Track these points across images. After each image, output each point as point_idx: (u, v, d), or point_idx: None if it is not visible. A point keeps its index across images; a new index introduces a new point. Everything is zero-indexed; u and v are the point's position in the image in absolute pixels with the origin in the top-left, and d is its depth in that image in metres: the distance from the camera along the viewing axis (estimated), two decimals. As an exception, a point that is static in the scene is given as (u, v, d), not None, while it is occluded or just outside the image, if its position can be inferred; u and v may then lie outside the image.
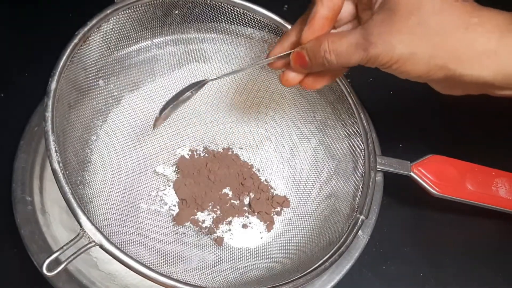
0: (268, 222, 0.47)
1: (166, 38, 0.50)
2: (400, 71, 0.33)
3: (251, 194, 0.49)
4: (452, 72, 0.33)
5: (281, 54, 0.38)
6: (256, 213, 0.47)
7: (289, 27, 0.46)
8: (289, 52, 0.38)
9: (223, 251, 0.45)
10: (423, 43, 0.32)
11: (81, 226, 0.34)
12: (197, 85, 0.40)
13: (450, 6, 0.32)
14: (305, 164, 0.50)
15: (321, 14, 0.35)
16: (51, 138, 0.35)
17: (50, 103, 0.36)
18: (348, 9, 0.37)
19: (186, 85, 0.41)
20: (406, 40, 0.32)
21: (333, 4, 0.35)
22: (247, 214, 0.48)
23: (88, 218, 0.34)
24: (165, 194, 0.47)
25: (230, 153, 0.51)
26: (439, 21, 0.32)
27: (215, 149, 0.51)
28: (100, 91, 0.46)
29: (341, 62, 0.34)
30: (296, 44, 0.37)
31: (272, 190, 0.49)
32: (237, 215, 0.47)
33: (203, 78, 0.51)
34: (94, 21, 0.41)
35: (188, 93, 0.40)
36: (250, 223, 0.47)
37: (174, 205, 0.47)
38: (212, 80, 0.41)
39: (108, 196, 0.44)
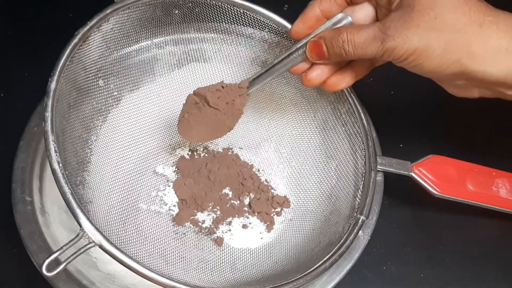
0: (268, 223, 0.47)
1: (166, 38, 0.50)
2: (414, 64, 0.35)
3: (251, 194, 0.49)
4: (464, 68, 0.34)
5: (301, 44, 0.39)
6: (256, 214, 0.47)
7: (289, 27, 0.46)
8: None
9: (223, 252, 0.45)
10: (438, 37, 0.33)
11: (80, 226, 0.34)
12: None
13: (466, 4, 0.33)
14: (305, 164, 0.50)
15: None
16: (51, 138, 0.35)
17: (49, 103, 0.36)
18: (368, 13, 0.38)
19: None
20: (422, 34, 0.33)
21: None
22: (247, 214, 0.48)
23: (87, 218, 0.34)
24: (165, 194, 0.47)
25: (230, 153, 0.50)
26: (455, 18, 0.33)
27: (215, 149, 0.51)
28: (100, 91, 0.46)
29: (358, 53, 0.36)
30: (320, 18, 0.38)
31: (272, 190, 0.49)
32: (237, 216, 0.47)
33: (204, 78, 0.51)
34: (94, 21, 0.41)
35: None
36: (250, 223, 0.47)
37: (174, 205, 0.47)
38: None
39: (108, 196, 0.44)
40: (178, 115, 0.43)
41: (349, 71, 0.40)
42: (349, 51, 0.36)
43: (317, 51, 0.38)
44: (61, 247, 0.33)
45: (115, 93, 0.48)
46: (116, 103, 0.48)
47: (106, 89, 0.47)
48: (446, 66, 0.34)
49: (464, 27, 0.33)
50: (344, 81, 0.40)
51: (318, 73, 0.40)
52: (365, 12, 0.38)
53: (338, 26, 0.38)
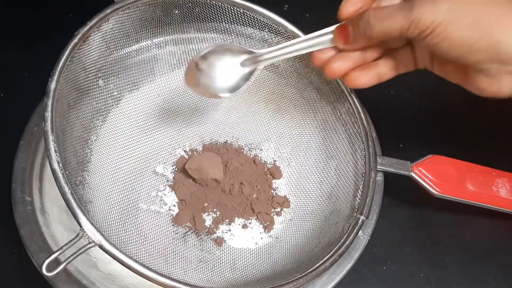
0: (268, 223, 0.47)
1: (166, 38, 0.50)
2: (441, 38, 0.33)
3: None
4: (495, 42, 0.33)
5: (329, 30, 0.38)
6: (256, 214, 0.47)
7: (289, 27, 0.46)
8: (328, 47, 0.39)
9: (223, 251, 0.45)
10: (468, 9, 0.32)
11: (80, 226, 0.34)
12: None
13: None
14: (305, 164, 0.50)
15: None
16: (51, 138, 0.35)
17: (49, 103, 0.36)
18: None
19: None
20: (452, 5, 0.32)
21: None
22: (247, 214, 0.47)
23: (87, 218, 0.34)
24: (165, 194, 0.47)
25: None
26: None
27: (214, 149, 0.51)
28: (100, 91, 0.46)
29: (383, 27, 0.35)
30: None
31: (272, 191, 0.49)
32: (237, 216, 0.47)
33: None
34: (94, 21, 0.41)
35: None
36: (250, 223, 0.47)
37: (174, 205, 0.47)
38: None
39: (108, 196, 0.44)
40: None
41: (373, 67, 0.39)
42: (373, 25, 0.35)
43: (343, 34, 0.37)
44: (61, 247, 0.33)
45: (115, 93, 0.48)
46: (116, 103, 0.48)
47: (106, 89, 0.47)
48: (476, 40, 0.33)
49: (495, 2, 0.33)
50: (366, 77, 0.39)
51: (341, 64, 0.39)
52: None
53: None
